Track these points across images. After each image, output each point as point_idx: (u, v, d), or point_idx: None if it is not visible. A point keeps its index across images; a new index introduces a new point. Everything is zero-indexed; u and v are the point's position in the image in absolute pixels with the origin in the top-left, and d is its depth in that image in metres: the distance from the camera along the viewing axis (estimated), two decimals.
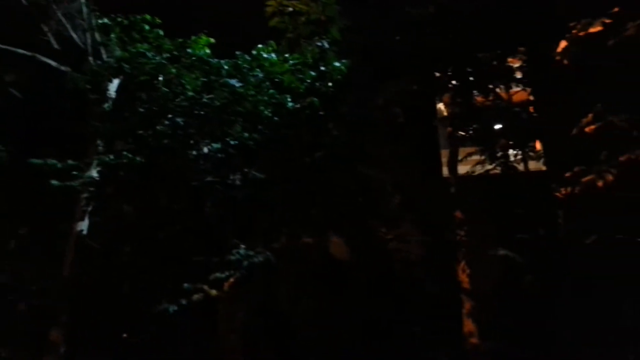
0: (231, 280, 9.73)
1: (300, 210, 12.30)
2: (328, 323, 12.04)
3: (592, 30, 6.59)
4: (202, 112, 9.85)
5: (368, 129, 11.37)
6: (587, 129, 6.89)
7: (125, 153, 10.41)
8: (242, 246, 9.84)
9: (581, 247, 7.64)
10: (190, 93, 10.35)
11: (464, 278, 10.29)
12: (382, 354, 11.05)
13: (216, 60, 9.71)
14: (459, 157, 11.31)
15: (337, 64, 9.94)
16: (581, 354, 8.32)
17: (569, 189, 7.09)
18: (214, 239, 10.75)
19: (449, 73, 11.33)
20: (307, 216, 12.38)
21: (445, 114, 11.54)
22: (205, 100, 10.04)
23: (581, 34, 6.68)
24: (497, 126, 11.54)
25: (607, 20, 6.54)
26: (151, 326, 11.07)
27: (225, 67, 9.67)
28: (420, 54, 10.60)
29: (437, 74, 11.36)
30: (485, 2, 9.85)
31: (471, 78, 11.21)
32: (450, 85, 11.36)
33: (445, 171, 12.35)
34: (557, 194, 7.28)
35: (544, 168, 10.91)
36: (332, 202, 12.16)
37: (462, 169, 11.80)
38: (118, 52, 11.56)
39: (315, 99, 9.90)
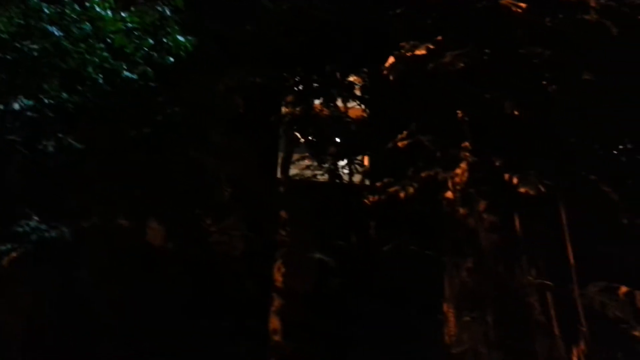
0: (13, 255, 8.47)
1: (120, 188, 11.40)
2: (133, 313, 11.27)
3: (417, 52, 7.12)
4: (9, 57, 8.45)
5: (206, 114, 10.94)
6: (399, 144, 7.42)
7: None
8: (35, 218, 8.63)
9: (382, 255, 8.20)
10: (4, 35, 8.85)
11: (278, 277, 10.39)
12: (185, 346, 10.65)
13: (36, 1, 8.44)
14: (292, 159, 11.48)
15: (181, 38, 9.30)
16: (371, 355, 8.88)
17: (376, 197, 7.54)
18: (4, 207, 9.32)
19: (296, 77, 11.50)
20: (127, 196, 11.52)
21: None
22: (18, 45, 8.63)
23: (408, 54, 7.17)
24: (337, 139, 12.00)
25: (431, 46, 7.13)
26: None
27: (47, 11, 8.45)
28: (270, 49, 10.55)
29: (284, 74, 11.43)
30: (334, 18, 10.15)
31: (315, 85, 11.51)
32: (295, 88, 11.52)
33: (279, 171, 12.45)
34: (366, 201, 7.70)
35: (367, 182, 11.59)
36: (158, 184, 11.48)
37: (295, 171, 12.00)
38: None
39: (150, 70, 9.14)
